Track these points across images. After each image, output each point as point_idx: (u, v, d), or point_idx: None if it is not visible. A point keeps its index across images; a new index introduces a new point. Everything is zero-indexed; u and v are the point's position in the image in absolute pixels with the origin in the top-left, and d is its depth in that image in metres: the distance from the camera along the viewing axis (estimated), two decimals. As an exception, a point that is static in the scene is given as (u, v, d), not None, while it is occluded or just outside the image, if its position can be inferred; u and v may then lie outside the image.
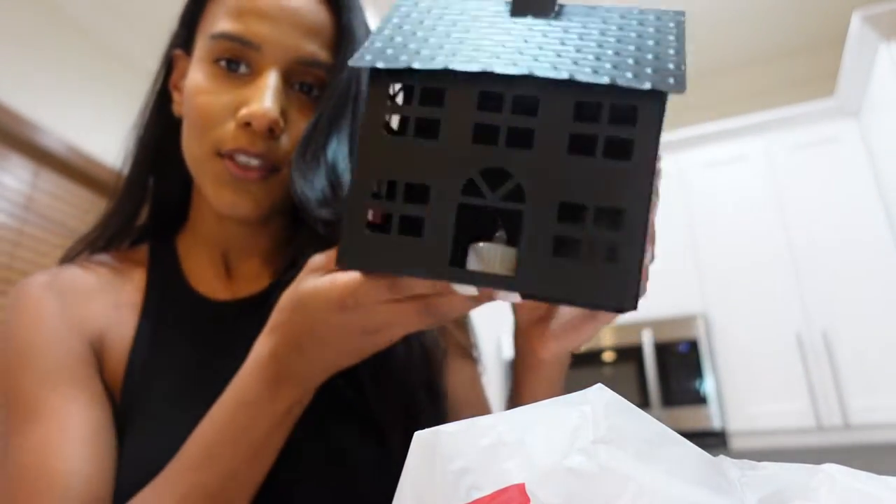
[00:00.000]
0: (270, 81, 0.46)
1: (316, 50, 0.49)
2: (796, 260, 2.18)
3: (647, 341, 2.19)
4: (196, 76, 0.49)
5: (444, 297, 0.33)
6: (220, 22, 0.48)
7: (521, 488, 0.22)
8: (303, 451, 0.47)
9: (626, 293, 0.29)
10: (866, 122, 2.20)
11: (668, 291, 2.30)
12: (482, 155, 0.30)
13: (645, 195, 0.29)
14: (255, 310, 0.49)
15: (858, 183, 2.18)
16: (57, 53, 2.36)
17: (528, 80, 0.30)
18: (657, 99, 0.29)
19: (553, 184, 0.30)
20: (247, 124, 0.46)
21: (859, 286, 2.07)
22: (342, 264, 0.32)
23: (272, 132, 0.47)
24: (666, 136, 2.50)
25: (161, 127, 0.55)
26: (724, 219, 2.33)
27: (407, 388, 0.51)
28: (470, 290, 0.32)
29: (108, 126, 2.54)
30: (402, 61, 0.31)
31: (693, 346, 2.15)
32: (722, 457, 0.24)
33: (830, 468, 0.22)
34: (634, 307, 0.29)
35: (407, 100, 0.35)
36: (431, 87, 0.31)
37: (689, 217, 2.38)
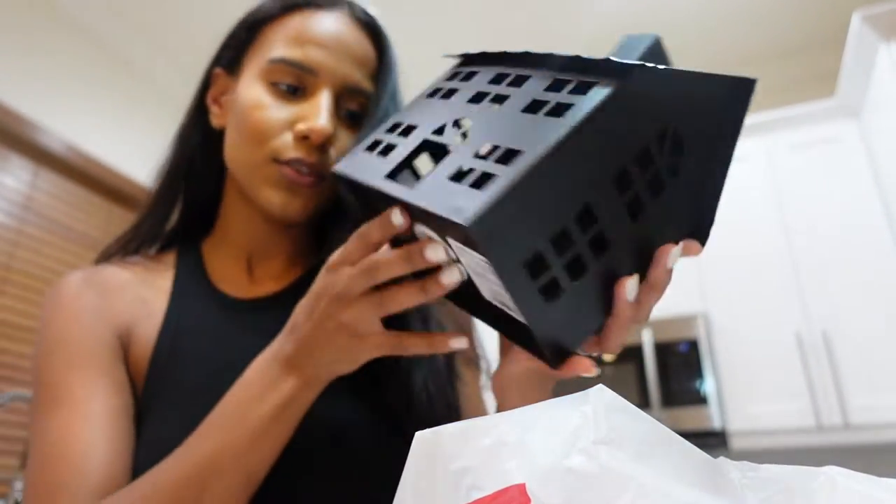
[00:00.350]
0: (325, 101, 0.54)
1: (361, 79, 0.56)
2: (796, 260, 2.18)
3: (647, 341, 2.19)
4: (251, 92, 0.55)
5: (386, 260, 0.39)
6: (279, 48, 0.55)
7: (521, 488, 0.22)
8: (316, 445, 0.50)
9: (467, 210, 0.31)
10: (866, 122, 2.20)
11: (668, 291, 2.30)
12: (455, 112, 0.41)
13: (548, 146, 0.31)
14: (273, 307, 0.56)
15: (858, 183, 2.18)
16: (57, 53, 2.36)
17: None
18: (609, 86, 0.33)
19: (494, 131, 0.36)
20: (304, 137, 0.53)
21: (859, 286, 2.07)
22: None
23: (324, 146, 0.54)
24: (666, 136, 2.50)
25: (198, 138, 0.61)
26: (724, 219, 2.33)
27: (422, 387, 0.54)
28: (396, 217, 0.38)
29: (108, 126, 2.54)
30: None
31: (693, 346, 2.15)
32: (723, 458, 0.24)
33: (831, 471, 0.22)
34: (468, 226, 0.30)
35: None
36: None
37: (689, 217, 2.38)
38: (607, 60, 0.33)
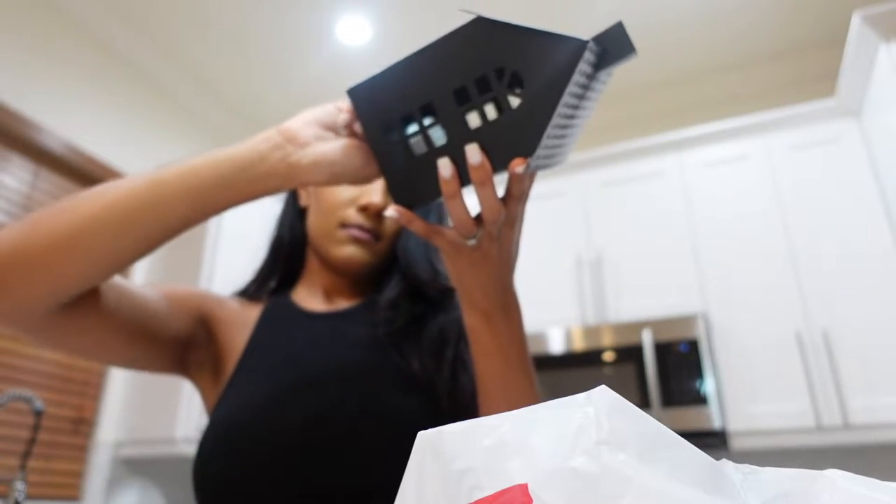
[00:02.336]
0: (379, 184, 0.73)
1: None
2: (796, 260, 2.18)
3: (647, 341, 2.19)
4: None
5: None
6: None
7: (523, 489, 0.22)
8: (358, 414, 0.63)
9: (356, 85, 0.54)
10: (866, 122, 2.20)
11: (668, 291, 2.30)
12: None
13: (413, 53, 0.50)
14: (344, 316, 0.74)
15: (858, 183, 2.18)
16: (57, 53, 2.36)
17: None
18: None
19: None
20: (364, 209, 0.73)
21: (859, 286, 2.07)
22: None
23: (378, 215, 0.74)
24: (666, 136, 2.51)
25: (292, 214, 0.82)
26: (724, 219, 2.33)
27: (449, 358, 0.69)
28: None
29: (108, 126, 2.54)
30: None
31: (693, 346, 2.15)
32: (724, 460, 0.24)
33: (832, 473, 0.22)
34: (348, 92, 0.55)
35: None
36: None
37: (689, 217, 2.38)
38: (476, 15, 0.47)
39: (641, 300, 2.33)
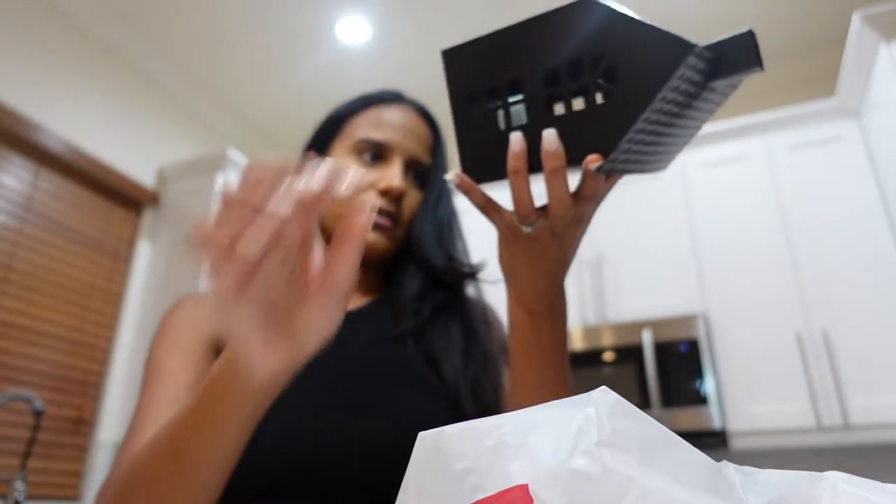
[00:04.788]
0: (399, 168, 0.73)
1: (423, 154, 0.76)
2: (796, 260, 2.18)
3: (647, 341, 2.19)
4: (344, 163, 0.74)
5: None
6: (363, 130, 0.74)
7: (524, 489, 0.22)
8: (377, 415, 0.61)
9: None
10: (866, 122, 2.20)
11: (668, 291, 2.30)
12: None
13: (513, 24, 0.48)
14: (361, 316, 0.72)
15: (858, 183, 2.18)
16: (57, 53, 2.36)
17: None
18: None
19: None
20: (384, 192, 0.71)
21: (859, 286, 2.07)
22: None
23: (399, 200, 0.72)
24: (666, 136, 2.50)
25: None
26: (724, 219, 2.33)
27: (474, 364, 0.68)
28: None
29: (108, 126, 2.54)
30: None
31: (693, 346, 2.15)
32: (725, 462, 0.24)
33: (833, 476, 0.22)
34: (443, 54, 0.53)
35: None
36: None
37: (689, 217, 2.38)
38: None
39: (641, 300, 2.33)
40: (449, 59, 0.51)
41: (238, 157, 2.64)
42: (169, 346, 0.64)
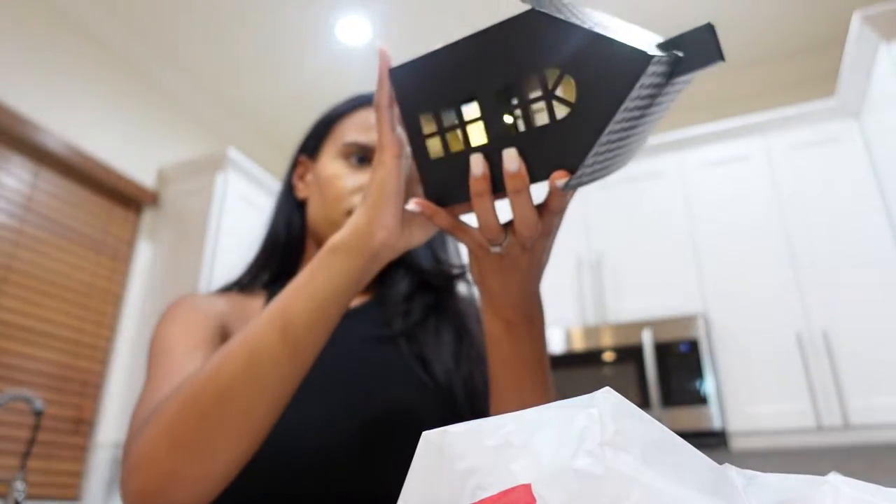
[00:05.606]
0: None
1: None
2: (796, 260, 2.18)
3: (647, 341, 2.19)
4: (331, 167, 0.74)
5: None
6: (350, 134, 0.74)
7: (527, 489, 0.22)
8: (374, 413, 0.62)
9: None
10: (866, 122, 2.20)
11: (668, 291, 2.30)
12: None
13: (461, 38, 0.45)
14: (353, 315, 0.71)
15: (858, 183, 2.18)
16: (57, 53, 2.36)
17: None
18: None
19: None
20: None
21: (859, 286, 2.07)
22: None
23: None
24: (666, 136, 2.51)
25: (289, 209, 0.79)
26: (724, 219, 2.33)
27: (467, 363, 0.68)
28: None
29: (108, 126, 2.54)
30: None
31: (693, 346, 2.15)
32: (727, 465, 0.24)
33: (836, 479, 0.22)
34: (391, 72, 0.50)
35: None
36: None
37: (689, 217, 2.38)
38: None
39: (641, 300, 2.33)
40: (398, 77, 0.48)
41: (238, 157, 2.63)
42: (177, 329, 0.63)
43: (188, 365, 0.57)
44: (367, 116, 0.75)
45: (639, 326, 2.23)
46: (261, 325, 0.48)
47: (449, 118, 0.47)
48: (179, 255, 2.54)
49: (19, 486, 1.74)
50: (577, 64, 0.40)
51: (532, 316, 0.54)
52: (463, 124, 0.46)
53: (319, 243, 0.74)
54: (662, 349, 2.18)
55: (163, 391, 0.53)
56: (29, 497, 2.01)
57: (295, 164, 0.81)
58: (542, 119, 0.44)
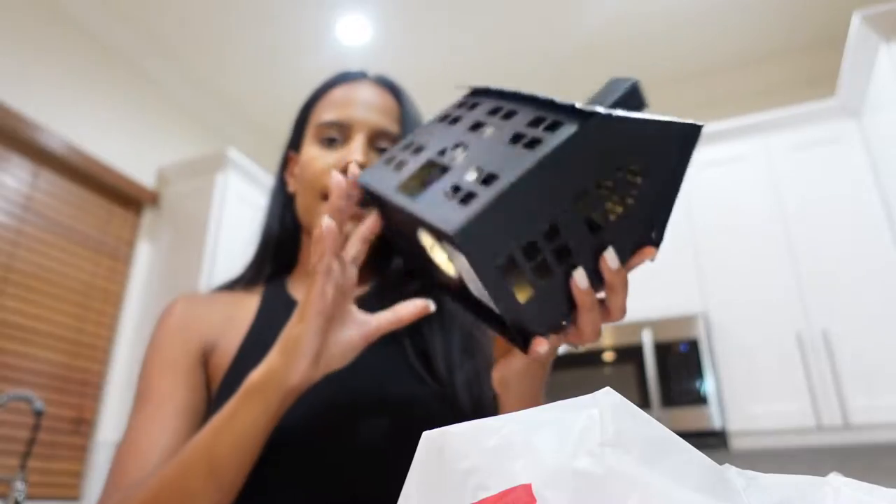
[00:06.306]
0: (359, 141, 0.70)
1: (389, 123, 0.73)
2: (796, 260, 2.18)
3: (647, 341, 2.19)
4: (307, 152, 0.73)
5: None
6: (324, 113, 0.73)
7: (527, 488, 0.22)
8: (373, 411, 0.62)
9: (454, 222, 0.39)
10: (866, 122, 2.20)
11: (668, 291, 2.30)
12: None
13: (517, 174, 0.39)
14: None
15: (858, 183, 2.18)
16: (57, 54, 2.36)
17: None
18: (573, 126, 0.40)
19: (483, 156, 0.44)
20: (345, 169, 0.66)
21: (859, 286, 2.07)
22: None
23: None
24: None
25: (281, 204, 0.79)
26: (724, 219, 2.33)
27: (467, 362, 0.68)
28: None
29: (108, 126, 2.54)
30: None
31: (693, 346, 2.15)
32: (727, 465, 0.24)
33: (836, 480, 0.22)
34: (453, 234, 0.38)
35: None
36: None
37: (689, 217, 2.38)
38: (573, 106, 0.41)
39: (641, 300, 2.33)
40: (464, 238, 0.40)
41: (238, 157, 2.64)
42: (160, 363, 0.66)
43: (166, 411, 0.61)
44: (336, 94, 0.74)
45: (639, 326, 2.23)
46: (189, 464, 0.51)
47: (534, 253, 0.43)
48: (179, 255, 2.54)
49: (19, 486, 1.74)
50: (644, 151, 0.43)
51: (538, 394, 0.56)
52: (552, 251, 0.43)
53: (310, 234, 0.74)
54: (662, 349, 2.18)
55: (139, 450, 0.59)
56: (29, 497, 2.01)
57: (286, 161, 0.81)
58: (615, 211, 0.46)
